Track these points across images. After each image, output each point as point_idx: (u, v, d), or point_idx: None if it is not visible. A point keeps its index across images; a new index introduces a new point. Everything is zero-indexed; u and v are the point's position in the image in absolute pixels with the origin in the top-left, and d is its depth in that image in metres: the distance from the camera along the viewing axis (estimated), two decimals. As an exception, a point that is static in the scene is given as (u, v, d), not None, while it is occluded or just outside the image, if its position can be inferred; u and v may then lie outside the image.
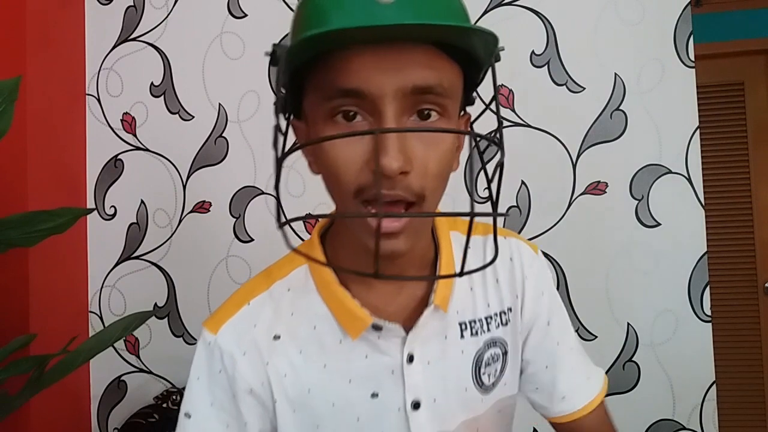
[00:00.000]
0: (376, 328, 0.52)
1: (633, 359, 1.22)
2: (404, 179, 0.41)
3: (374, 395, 0.53)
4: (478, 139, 0.42)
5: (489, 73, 0.45)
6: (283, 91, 0.46)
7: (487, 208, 0.45)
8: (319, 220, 0.57)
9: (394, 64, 0.40)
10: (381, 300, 0.53)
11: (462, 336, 0.56)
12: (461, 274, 0.41)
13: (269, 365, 0.53)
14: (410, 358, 0.53)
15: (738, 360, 2.09)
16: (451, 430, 0.55)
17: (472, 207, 0.41)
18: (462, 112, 0.51)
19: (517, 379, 0.62)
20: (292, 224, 1.29)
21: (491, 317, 0.58)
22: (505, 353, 0.59)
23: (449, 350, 0.55)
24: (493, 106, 0.46)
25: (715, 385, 1.19)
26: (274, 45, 0.43)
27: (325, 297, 0.54)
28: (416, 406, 0.53)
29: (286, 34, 1.33)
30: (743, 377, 2.09)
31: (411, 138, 0.42)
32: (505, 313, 0.59)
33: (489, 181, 0.45)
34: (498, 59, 0.44)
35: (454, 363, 0.55)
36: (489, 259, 0.58)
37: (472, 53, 0.44)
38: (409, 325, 0.53)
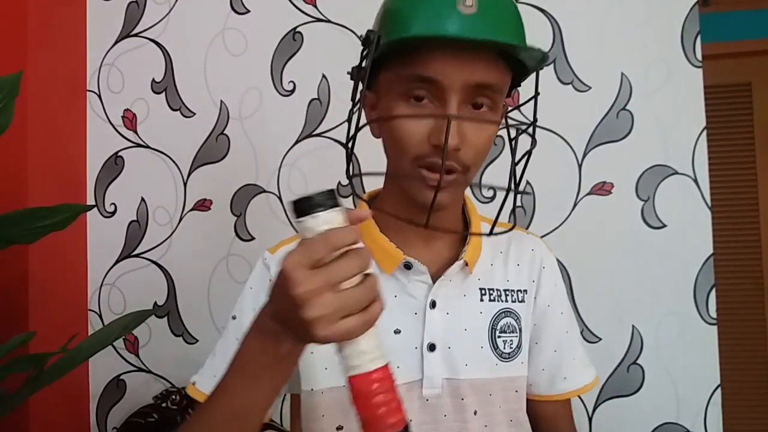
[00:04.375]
0: (407, 266, 0.60)
1: (637, 361, 1.21)
2: (457, 154, 0.52)
3: (397, 331, 0.60)
4: (517, 130, 0.57)
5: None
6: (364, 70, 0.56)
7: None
8: (366, 192, 0.69)
9: (465, 63, 0.51)
10: (414, 252, 0.61)
11: (482, 299, 0.64)
12: (490, 233, 0.54)
13: None
14: (432, 304, 0.61)
15: (743, 363, 2.07)
16: (461, 379, 0.60)
17: (511, 186, 0.53)
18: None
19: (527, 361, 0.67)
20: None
21: (509, 291, 0.65)
22: (520, 330, 0.65)
23: (469, 307, 0.63)
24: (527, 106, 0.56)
25: (720, 388, 1.18)
26: (369, 31, 0.53)
27: (367, 240, 0.59)
28: (432, 348, 0.60)
29: (294, 29, 1.32)
30: (748, 380, 2.08)
31: (465, 123, 0.52)
32: (521, 292, 0.67)
33: (514, 163, 0.57)
34: (544, 67, 0.56)
35: (472, 319, 0.63)
36: (512, 251, 0.68)
37: (522, 61, 0.55)
38: (437, 274, 0.61)
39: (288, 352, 0.43)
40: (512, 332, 0.64)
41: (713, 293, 1.19)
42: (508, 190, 0.53)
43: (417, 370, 0.59)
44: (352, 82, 0.57)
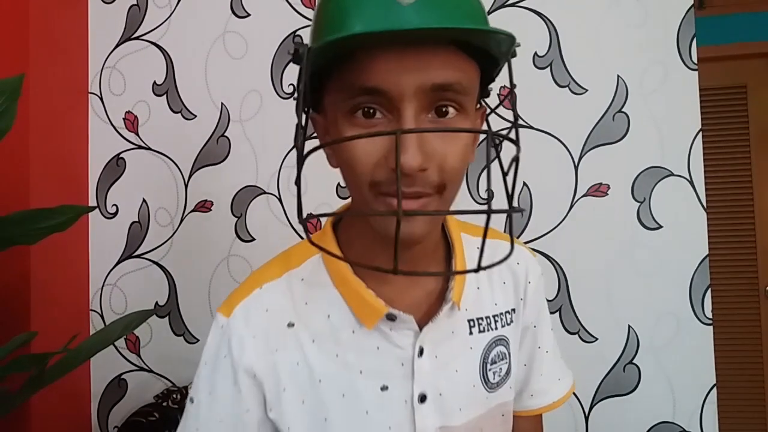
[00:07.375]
0: (390, 318, 0.52)
1: (633, 361, 1.22)
2: (423, 175, 0.43)
3: (384, 388, 0.53)
4: (496, 139, 0.44)
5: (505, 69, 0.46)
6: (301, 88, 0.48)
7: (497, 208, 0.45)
8: (327, 219, 0.59)
9: (415, 64, 0.41)
10: (395, 292, 0.54)
11: (471, 332, 0.57)
12: (479, 269, 0.41)
13: (278, 352, 0.53)
14: (420, 352, 0.54)
15: (739, 363, 2.08)
16: (455, 426, 0.55)
17: (489, 204, 0.39)
18: (478, 105, 0.51)
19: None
20: (297, 223, 1.30)
21: (498, 316, 0.60)
22: (509, 354, 0.60)
23: (458, 346, 0.56)
24: (504, 104, 0.46)
25: (715, 387, 1.19)
26: (297, 44, 0.43)
27: (340, 287, 0.54)
28: (422, 399, 0.54)
29: (294, 32, 1.33)
30: (744, 380, 2.09)
31: (430, 135, 0.43)
32: (509, 313, 0.61)
33: (504, 176, 0.46)
34: (514, 55, 0.44)
35: (463, 358, 0.56)
36: (497, 267, 0.60)
37: (489, 51, 0.45)
38: (423, 319, 0.54)
39: None
40: (502, 360, 0.59)
41: (709, 294, 1.20)
42: (487, 211, 0.40)
43: (409, 424, 0.53)
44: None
